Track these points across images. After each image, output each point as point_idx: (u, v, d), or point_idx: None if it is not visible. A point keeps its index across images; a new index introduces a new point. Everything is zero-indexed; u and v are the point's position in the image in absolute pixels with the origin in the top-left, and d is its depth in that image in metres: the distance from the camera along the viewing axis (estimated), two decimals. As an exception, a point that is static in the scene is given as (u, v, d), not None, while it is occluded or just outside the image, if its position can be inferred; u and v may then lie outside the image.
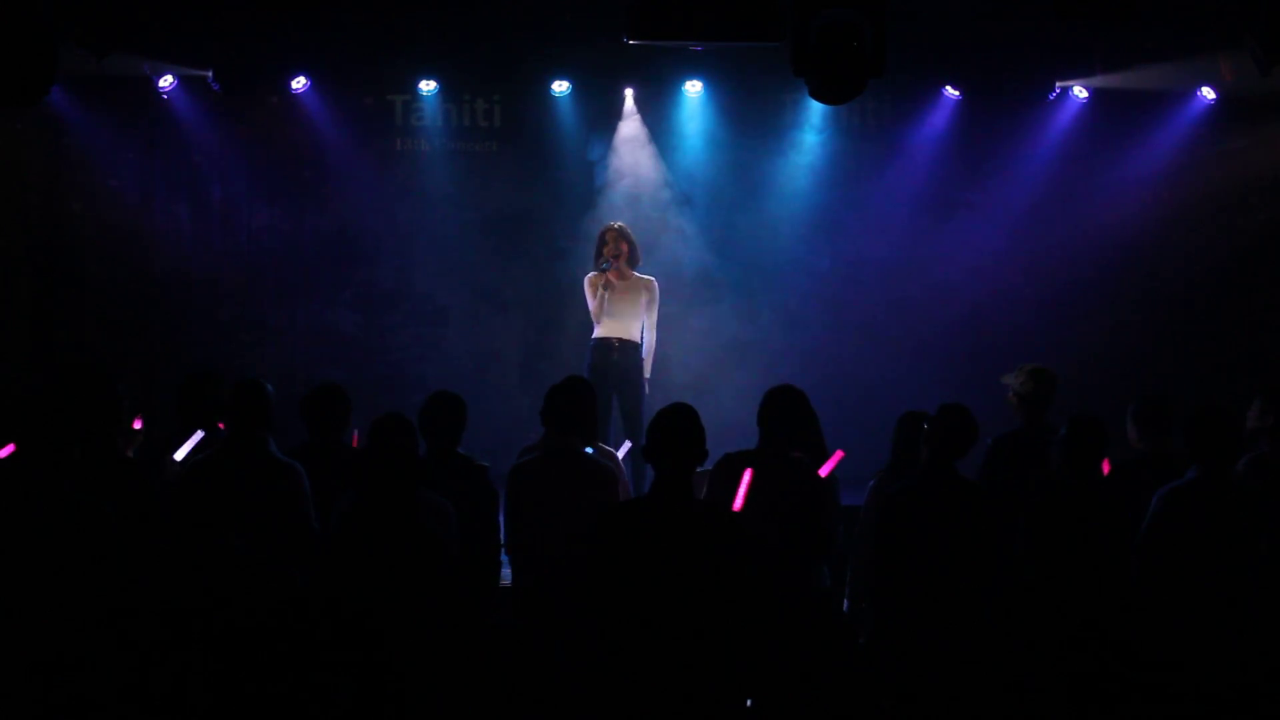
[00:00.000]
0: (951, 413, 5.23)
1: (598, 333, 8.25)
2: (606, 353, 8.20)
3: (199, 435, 5.78)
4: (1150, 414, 5.83)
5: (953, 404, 5.28)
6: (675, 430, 4.32)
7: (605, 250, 8.23)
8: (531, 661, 5.40)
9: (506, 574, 5.82)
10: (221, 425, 5.89)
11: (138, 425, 5.88)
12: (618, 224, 8.42)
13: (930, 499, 5.10)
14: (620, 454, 6.70)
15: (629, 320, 8.22)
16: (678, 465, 4.28)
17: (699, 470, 4.59)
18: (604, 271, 8.21)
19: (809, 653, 5.26)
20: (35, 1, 6.23)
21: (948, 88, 9.86)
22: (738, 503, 5.21)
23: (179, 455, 5.72)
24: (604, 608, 4.22)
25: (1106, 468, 5.60)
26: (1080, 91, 9.81)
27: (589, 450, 5.72)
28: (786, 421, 5.47)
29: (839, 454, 5.74)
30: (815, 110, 9.77)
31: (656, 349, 8.37)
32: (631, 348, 8.24)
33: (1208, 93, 9.74)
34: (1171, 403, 5.92)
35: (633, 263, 8.29)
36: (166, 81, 9.40)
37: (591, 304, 8.22)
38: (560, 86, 9.81)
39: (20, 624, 4.33)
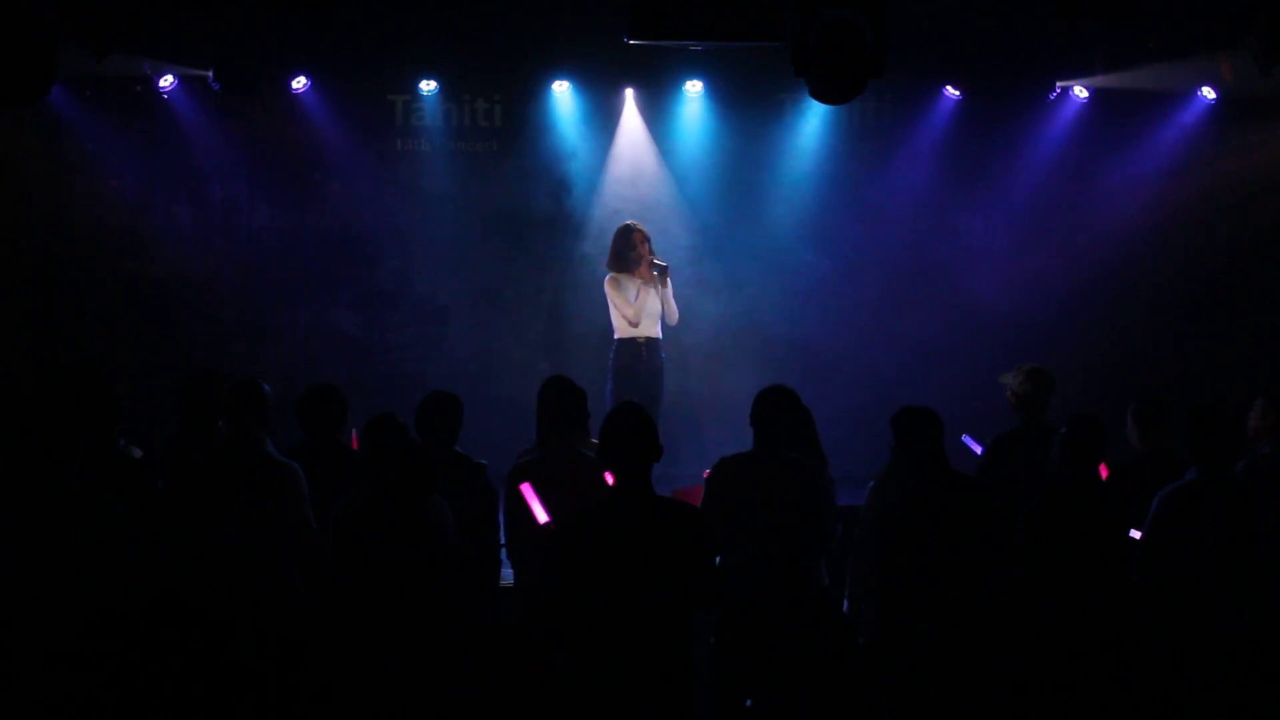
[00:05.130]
0: (912, 413, 5.28)
1: (625, 333, 8.09)
2: (635, 354, 8.06)
3: None
4: (1149, 413, 5.83)
5: (910, 407, 5.32)
6: (627, 430, 4.35)
7: (638, 251, 8.04)
8: (531, 661, 5.40)
9: (507, 574, 5.82)
10: (224, 425, 5.88)
11: (137, 455, 5.83)
12: (639, 223, 8.27)
13: (929, 499, 5.10)
14: None
15: (653, 318, 8.11)
16: (634, 463, 4.31)
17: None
18: (660, 270, 8.01)
19: (809, 653, 5.27)
20: (35, 1, 6.23)
21: (948, 88, 9.86)
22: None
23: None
24: (571, 609, 4.26)
25: (1104, 472, 5.60)
26: (1080, 91, 9.80)
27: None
28: (779, 422, 5.47)
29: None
30: (815, 110, 9.77)
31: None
32: (658, 346, 8.15)
33: (1208, 93, 9.74)
34: (1170, 402, 5.92)
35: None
36: (166, 81, 9.39)
37: (626, 309, 8.02)
38: (560, 86, 9.80)
39: (29, 623, 4.33)
